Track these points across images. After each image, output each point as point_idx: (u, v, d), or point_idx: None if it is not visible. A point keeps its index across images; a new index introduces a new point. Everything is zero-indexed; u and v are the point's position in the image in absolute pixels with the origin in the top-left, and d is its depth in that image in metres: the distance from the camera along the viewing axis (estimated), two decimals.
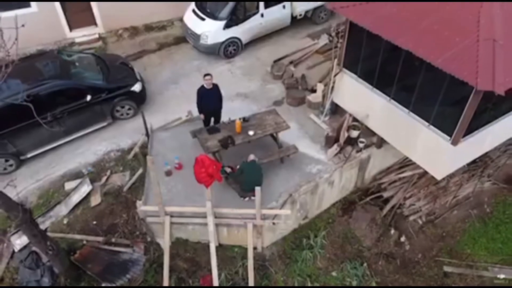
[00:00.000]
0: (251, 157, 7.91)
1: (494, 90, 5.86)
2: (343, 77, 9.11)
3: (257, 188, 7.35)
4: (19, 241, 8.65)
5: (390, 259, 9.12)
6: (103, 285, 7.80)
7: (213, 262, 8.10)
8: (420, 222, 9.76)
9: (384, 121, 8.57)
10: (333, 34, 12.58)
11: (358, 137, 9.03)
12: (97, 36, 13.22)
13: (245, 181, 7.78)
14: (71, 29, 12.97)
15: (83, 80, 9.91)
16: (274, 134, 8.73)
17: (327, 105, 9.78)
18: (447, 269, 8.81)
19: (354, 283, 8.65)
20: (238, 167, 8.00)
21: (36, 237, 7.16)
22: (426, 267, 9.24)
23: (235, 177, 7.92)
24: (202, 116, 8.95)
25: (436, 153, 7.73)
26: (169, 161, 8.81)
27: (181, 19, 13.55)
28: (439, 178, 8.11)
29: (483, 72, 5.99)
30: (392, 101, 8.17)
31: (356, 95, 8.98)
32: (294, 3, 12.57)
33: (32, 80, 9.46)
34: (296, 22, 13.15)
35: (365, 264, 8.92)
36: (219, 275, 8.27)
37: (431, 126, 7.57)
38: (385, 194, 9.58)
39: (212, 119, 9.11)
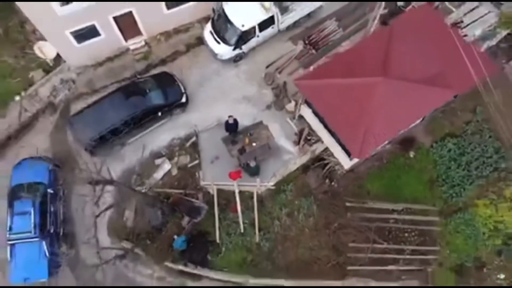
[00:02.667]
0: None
1: (360, 158, 13.57)
2: (305, 107, 16.19)
3: (258, 179, 15.67)
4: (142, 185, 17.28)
5: (325, 193, 17.97)
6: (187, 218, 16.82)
7: (238, 203, 16.88)
8: (344, 171, 18.23)
9: (325, 134, 16.14)
10: (307, 41, 18.49)
11: (311, 138, 16.72)
12: (143, 43, 18.96)
13: (250, 173, 16.03)
14: (126, 40, 18.65)
15: (155, 104, 16.88)
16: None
17: (297, 115, 17.03)
18: (348, 204, 17.74)
19: (305, 206, 17.68)
20: (248, 163, 15.93)
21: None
22: (345, 196, 18.16)
23: (246, 170, 16.08)
24: (227, 133, 16.46)
25: (345, 157, 15.69)
26: (212, 156, 16.77)
27: (198, 21, 19.08)
28: (346, 168, 16.25)
29: (357, 151, 13.55)
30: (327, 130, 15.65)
31: (311, 117, 16.24)
32: (280, 24, 17.97)
33: (128, 108, 16.51)
34: None
35: (312, 197, 17.81)
36: (241, 206, 17.23)
37: (341, 147, 15.35)
38: (325, 161, 17.77)
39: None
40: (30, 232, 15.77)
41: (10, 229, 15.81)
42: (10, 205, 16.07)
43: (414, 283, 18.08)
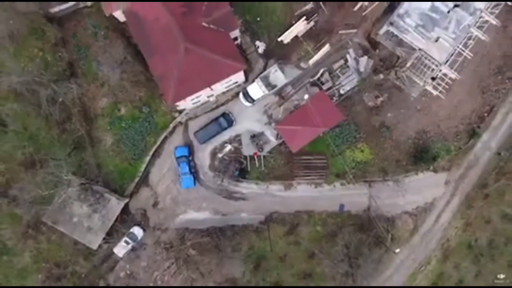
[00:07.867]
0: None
1: (292, 150, 44.17)
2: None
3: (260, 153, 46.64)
4: (220, 153, 48.23)
5: (287, 152, 48.62)
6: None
7: (256, 158, 47.83)
8: None
9: None
10: (279, 96, 46.81)
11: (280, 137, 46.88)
12: (214, 97, 47.16)
13: (260, 152, 46.84)
14: (207, 98, 46.78)
15: (224, 127, 46.61)
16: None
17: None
18: (294, 158, 48.27)
19: (279, 157, 48.64)
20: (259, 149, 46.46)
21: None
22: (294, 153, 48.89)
23: (259, 151, 46.71)
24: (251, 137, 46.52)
25: None
26: (246, 144, 47.12)
27: (236, 86, 47.05)
28: (294, 151, 46.51)
29: (294, 149, 44.06)
30: None
31: None
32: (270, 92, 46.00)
33: (216, 129, 46.39)
34: None
35: (282, 154, 48.59)
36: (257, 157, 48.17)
37: None
38: None
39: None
40: (187, 172, 47.26)
41: (180, 172, 47.33)
42: (178, 164, 47.27)
43: (321, 181, 50.13)
